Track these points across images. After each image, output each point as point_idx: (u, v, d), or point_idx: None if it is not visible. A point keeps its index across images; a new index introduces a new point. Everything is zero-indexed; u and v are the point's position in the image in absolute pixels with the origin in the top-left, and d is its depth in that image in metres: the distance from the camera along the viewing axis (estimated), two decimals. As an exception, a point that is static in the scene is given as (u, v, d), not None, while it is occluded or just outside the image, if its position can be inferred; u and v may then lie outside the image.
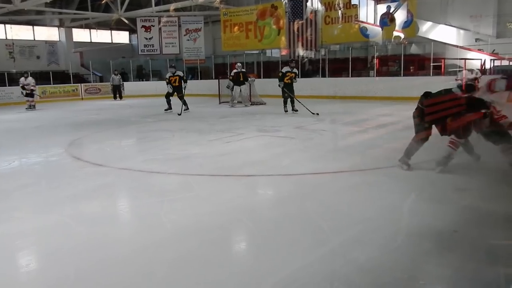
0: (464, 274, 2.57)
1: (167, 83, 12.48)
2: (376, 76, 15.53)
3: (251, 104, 13.92)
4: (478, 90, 5.18)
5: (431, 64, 13.90)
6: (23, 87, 15.04)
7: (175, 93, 12.38)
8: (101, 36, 25.14)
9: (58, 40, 24.06)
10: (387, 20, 15.52)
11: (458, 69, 13.76)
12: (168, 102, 12.37)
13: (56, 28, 24.03)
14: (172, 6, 17.16)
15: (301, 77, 13.85)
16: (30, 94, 15.16)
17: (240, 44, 19.98)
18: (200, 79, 21.30)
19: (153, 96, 19.89)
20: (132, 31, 25.15)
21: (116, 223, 3.68)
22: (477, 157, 4.90)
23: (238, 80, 13.54)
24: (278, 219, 3.50)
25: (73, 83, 20.37)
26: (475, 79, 7.08)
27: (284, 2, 17.90)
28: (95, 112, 13.52)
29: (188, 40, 21.87)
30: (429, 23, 15.66)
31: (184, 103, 12.27)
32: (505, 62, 13.14)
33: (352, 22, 16.32)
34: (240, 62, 14.65)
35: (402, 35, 15.29)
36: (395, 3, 15.21)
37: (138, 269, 2.72)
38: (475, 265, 2.66)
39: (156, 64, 22.57)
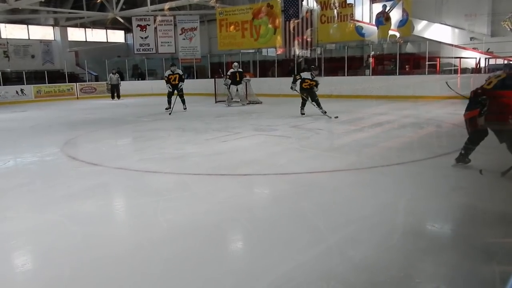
0: (459, 272, 2.58)
1: (166, 82, 12.45)
2: (371, 75, 15.60)
3: (247, 103, 13.92)
4: None
5: (427, 63, 13.91)
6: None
7: (175, 91, 12.34)
8: (97, 35, 25.02)
9: (53, 39, 23.95)
10: (383, 19, 15.57)
11: (453, 67, 13.84)
12: (169, 101, 12.30)
13: (51, 27, 23.91)
14: (167, 5, 17.11)
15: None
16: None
17: (236, 43, 19.98)
18: (196, 78, 21.29)
19: (149, 95, 19.87)
20: (127, 30, 25.09)
21: (111, 223, 3.66)
22: None
23: (235, 80, 13.55)
24: (274, 218, 3.51)
25: (68, 82, 20.27)
26: None
27: (279, 1, 17.91)
28: (91, 112, 13.46)
29: (184, 39, 21.86)
30: (424, 22, 15.72)
31: (183, 102, 12.26)
32: (499, 61, 13.21)
33: (347, 21, 16.36)
34: (236, 62, 14.65)
35: (397, 34, 15.34)
36: (391, 2, 15.26)
37: (133, 268, 2.71)
38: (471, 263, 2.67)
39: (151, 64, 22.49)
